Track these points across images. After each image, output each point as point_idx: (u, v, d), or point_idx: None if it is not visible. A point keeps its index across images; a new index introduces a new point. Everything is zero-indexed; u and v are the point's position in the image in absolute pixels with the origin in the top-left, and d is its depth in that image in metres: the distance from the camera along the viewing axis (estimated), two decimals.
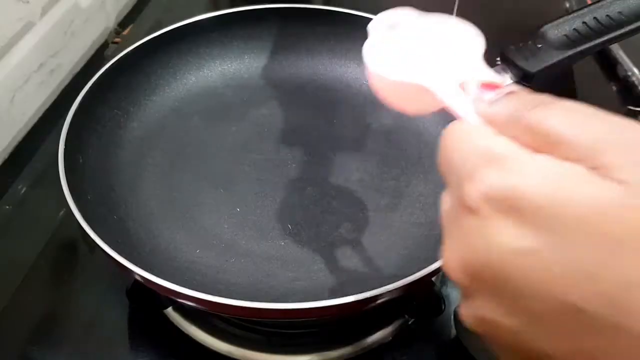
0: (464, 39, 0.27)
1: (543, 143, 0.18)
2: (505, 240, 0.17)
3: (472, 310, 0.18)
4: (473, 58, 0.25)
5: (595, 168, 0.16)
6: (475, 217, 0.17)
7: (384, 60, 0.27)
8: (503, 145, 0.18)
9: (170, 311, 0.40)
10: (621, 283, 0.15)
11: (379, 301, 0.32)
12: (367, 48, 0.28)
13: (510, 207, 0.17)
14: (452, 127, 0.20)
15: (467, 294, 0.18)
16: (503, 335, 0.18)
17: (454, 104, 0.22)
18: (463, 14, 0.70)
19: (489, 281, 0.17)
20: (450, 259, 0.19)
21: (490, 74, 0.23)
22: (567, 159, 0.17)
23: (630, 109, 0.51)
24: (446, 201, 0.20)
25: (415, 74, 0.25)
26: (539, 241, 0.16)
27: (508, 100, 0.20)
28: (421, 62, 0.26)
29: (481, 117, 0.20)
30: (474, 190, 0.18)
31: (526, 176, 0.17)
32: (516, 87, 0.22)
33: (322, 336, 0.40)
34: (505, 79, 0.23)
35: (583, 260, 0.16)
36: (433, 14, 0.28)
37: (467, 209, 0.18)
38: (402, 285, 0.31)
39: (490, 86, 0.21)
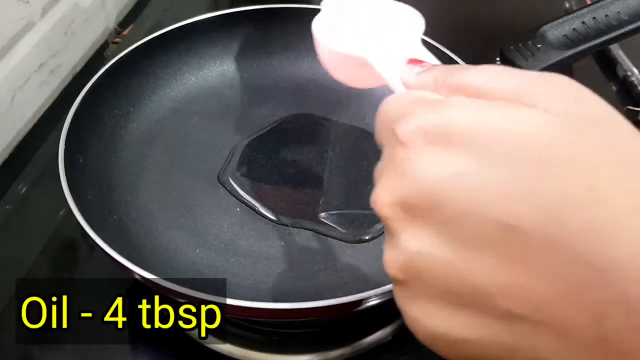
0: (405, 20, 0.29)
1: (468, 95, 0.18)
2: (439, 166, 0.17)
3: (399, 249, 0.18)
4: (412, 37, 0.27)
5: (521, 103, 0.17)
6: (408, 149, 0.18)
7: (331, 34, 0.30)
8: (435, 95, 0.20)
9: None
10: (555, 199, 0.15)
11: (379, 301, 0.32)
12: (317, 22, 0.31)
13: (442, 135, 0.17)
14: (388, 97, 0.21)
15: (397, 232, 0.18)
16: (433, 271, 0.17)
17: (390, 78, 0.24)
18: (463, 14, 0.70)
19: (422, 209, 0.17)
20: (383, 194, 0.18)
21: (424, 53, 0.25)
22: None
23: (630, 109, 0.51)
24: (380, 161, 0.20)
25: (357, 48, 0.28)
26: (473, 164, 0.16)
27: (432, 70, 0.21)
28: (364, 37, 0.29)
29: (410, 86, 0.22)
30: (405, 127, 0.18)
31: (456, 108, 0.17)
32: (438, 62, 0.24)
33: (321, 336, 0.40)
34: (430, 57, 0.25)
35: (517, 179, 0.16)
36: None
37: (399, 144, 0.18)
38: None
39: (416, 62, 0.23)
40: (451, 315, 0.17)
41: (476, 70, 0.19)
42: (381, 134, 0.20)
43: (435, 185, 0.17)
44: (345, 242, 0.40)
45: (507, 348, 0.16)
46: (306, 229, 0.41)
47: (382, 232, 0.41)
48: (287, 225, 0.41)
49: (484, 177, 0.16)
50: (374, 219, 0.41)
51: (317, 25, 0.31)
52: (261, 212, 0.42)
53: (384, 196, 0.18)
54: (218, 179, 0.44)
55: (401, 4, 0.30)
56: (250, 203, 0.43)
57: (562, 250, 0.15)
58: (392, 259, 0.18)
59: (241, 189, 0.44)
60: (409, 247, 0.17)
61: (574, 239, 0.15)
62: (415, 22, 0.29)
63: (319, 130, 0.49)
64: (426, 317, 0.17)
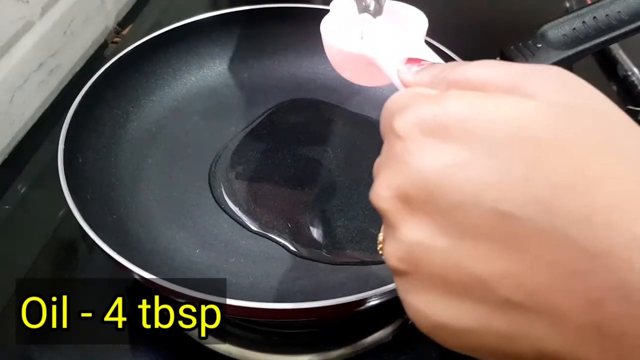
0: (409, 20, 0.30)
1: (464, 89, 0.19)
2: (436, 157, 0.17)
3: (399, 240, 0.18)
4: (416, 37, 0.28)
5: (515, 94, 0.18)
6: (406, 141, 0.18)
7: (338, 34, 0.31)
8: (431, 91, 0.20)
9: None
10: (547, 186, 0.15)
11: (379, 301, 0.32)
12: (325, 22, 0.32)
13: (438, 126, 0.17)
14: (392, 95, 0.21)
15: (396, 224, 0.18)
16: (432, 261, 0.17)
17: (394, 76, 0.25)
18: (463, 13, 0.70)
19: (420, 200, 0.17)
20: (381, 188, 0.19)
21: (426, 51, 0.26)
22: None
23: (630, 109, 0.51)
24: (380, 156, 0.21)
25: (362, 47, 0.29)
26: (468, 154, 0.17)
27: (430, 68, 0.22)
28: (370, 37, 0.29)
29: (408, 84, 0.23)
30: (402, 120, 0.18)
31: (452, 101, 0.18)
32: (437, 60, 0.25)
33: (321, 336, 0.40)
34: (431, 55, 0.26)
35: (510, 168, 0.16)
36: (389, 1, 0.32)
37: (397, 137, 0.18)
38: None
39: (415, 61, 0.24)
40: (451, 305, 0.17)
41: (472, 65, 0.20)
42: (383, 130, 0.21)
43: (431, 176, 0.17)
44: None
45: (506, 336, 0.16)
46: (306, 229, 0.41)
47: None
48: (287, 225, 0.41)
49: (479, 166, 0.16)
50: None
51: (326, 26, 0.32)
52: (261, 211, 0.42)
53: (383, 189, 0.19)
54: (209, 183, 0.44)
55: (405, 4, 0.31)
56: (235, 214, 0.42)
57: (556, 238, 0.15)
58: (392, 250, 0.18)
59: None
60: (409, 238, 0.18)
61: (566, 226, 0.15)
62: (419, 21, 0.30)
63: (319, 130, 0.49)
64: (427, 308, 0.18)
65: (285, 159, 0.46)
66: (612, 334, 0.15)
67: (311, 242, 0.40)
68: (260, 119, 0.49)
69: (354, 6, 0.32)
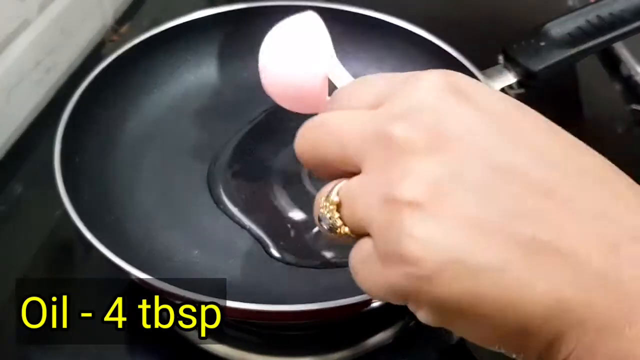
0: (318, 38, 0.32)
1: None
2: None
3: (423, 173, 0.18)
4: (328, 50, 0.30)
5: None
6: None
7: (273, 57, 0.34)
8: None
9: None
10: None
11: (380, 303, 0.32)
12: (262, 49, 0.34)
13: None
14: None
15: (424, 150, 0.18)
16: (458, 195, 0.17)
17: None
18: (466, 12, 0.70)
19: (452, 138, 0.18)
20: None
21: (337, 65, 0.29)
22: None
23: (634, 108, 0.51)
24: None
25: (311, 66, 0.30)
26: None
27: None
28: (295, 60, 0.32)
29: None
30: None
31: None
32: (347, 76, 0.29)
33: (321, 338, 0.39)
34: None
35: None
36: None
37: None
38: None
39: None
40: (473, 238, 0.16)
41: (347, 86, 0.23)
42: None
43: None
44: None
45: (525, 278, 0.16)
46: (306, 229, 0.41)
47: None
48: (287, 225, 0.41)
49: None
50: None
51: (262, 52, 0.34)
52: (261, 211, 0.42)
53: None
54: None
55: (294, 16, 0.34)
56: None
57: (579, 184, 0.17)
58: (415, 180, 0.17)
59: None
60: (432, 171, 0.17)
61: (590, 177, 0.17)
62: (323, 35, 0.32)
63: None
64: (444, 237, 0.17)
65: (285, 158, 0.46)
66: (626, 279, 0.15)
67: (306, 250, 0.40)
68: (259, 118, 0.49)
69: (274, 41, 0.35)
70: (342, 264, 0.39)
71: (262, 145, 0.47)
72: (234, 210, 0.42)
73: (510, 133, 0.18)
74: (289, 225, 0.41)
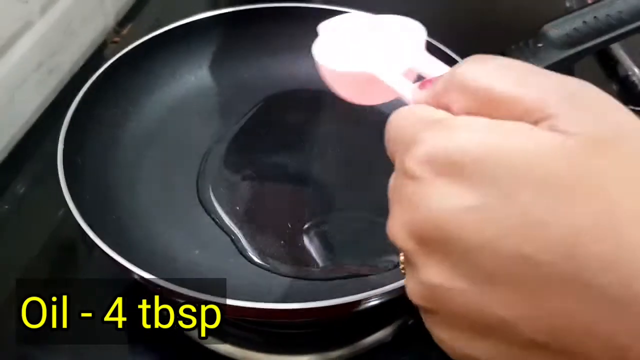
0: (406, 31, 0.29)
1: (484, 104, 0.18)
2: (451, 200, 0.16)
3: (419, 280, 0.17)
4: (416, 47, 0.27)
5: (539, 122, 0.16)
6: (417, 182, 0.17)
7: (332, 55, 0.30)
8: (442, 113, 0.19)
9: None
10: (567, 232, 0.15)
11: (379, 301, 0.32)
12: (316, 46, 0.31)
13: (450, 166, 0.16)
14: (398, 110, 0.20)
15: (414, 264, 0.18)
16: (454, 302, 0.17)
17: (400, 89, 0.24)
18: (464, 13, 0.70)
19: (436, 243, 0.17)
20: (396, 225, 0.18)
21: (430, 61, 0.25)
22: (510, 117, 0.17)
23: (631, 109, 0.51)
24: (393, 177, 0.20)
25: (361, 64, 0.27)
26: (483, 196, 0.16)
27: (440, 78, 0.20)
28: (367, 53, 0.28)
29: (423, 102, 0.21)
30: (413, 157, 0.17)
31: (465, 134, 0.17)
32: (443, 69, 0.24)
33: (321, 336, 0.40)
34: (436, 64, 0.25)
35: (530, 210, 0.15)
36: (380, 15, 0.30)
37: (410, 176, 0.17)
38: (402, 285, 0.31)
39: (428, 82, 0.22)
40: (476, 342, 0.17)
41: (494, 70, 0.18)
42: (390, 152, 0.20)
43: (447, 220, 0.16)
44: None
45: None
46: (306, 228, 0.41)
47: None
48: (287, 225, 0.41)
49: (497, 210, 0.15)
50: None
51: (317, 49, 0.30)
52: (261, 211, 0.42)
53: (398, 228, 0.18)
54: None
55: (398, 16, 0.30)
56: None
57: (580, 284, 0.15)
58: (413, 288, 0.18)
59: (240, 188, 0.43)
60: (428, 280, 0.17)
61: (590, 272, 0.14)
62: (416, 31, 0.28)
63: (319, 130, 0.49)
64: (452, 342, 0.17)
65: (285, 158, 0.46)
66: None
67: (302, 260, 0.40)
68: (251, 112, 0.49)
69: (344, 24, 0.31)
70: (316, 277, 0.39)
71: (264, 145, 0.47)
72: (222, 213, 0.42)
73: None
74: (289, 224, 0.41)
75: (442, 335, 0.18)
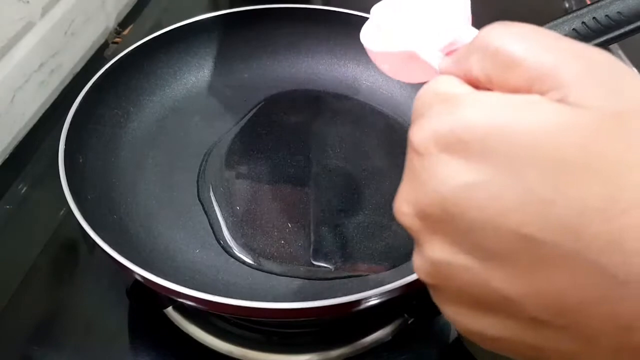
0: (450, 4, 0.28)
1: (499, 67, 0.17)
2: (454, 176, 0.16)
3: (424, 257, 0.18)
4: (458, 19, 0.26)
5: (550, 90, 0.16)
6: (423, 158, 0.17)
7: (378, 36, 0.29)
8: (458, 87, 0.18)
9: (170, 311, 0.40)
10: (572, 209, 0.14)
11: (378, 301, 0.32)
12: (364, 30, 0.30)
13: (457, 142, 0.16)
14: (426, 84, 0.20)
15: (419, 240, 0.18)
16: (458, 279, 0.17)
17: (435, 65, 0.23)
18: None
19: (440, 219, 0.17)
20: (401, 203, 0.18)
21: (472, 32, 0.24)
22: (526, 81, 0.16)
23: None
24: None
25: (403, 43, 0.27)
26: (489, 173, 0.15)
27: (459, 50, 0.20)
28: (411, 31, 0.28)
29: (448, 70, 0.20)
30: (419, 132, 0.17)
31: (472, 110, 0.16)
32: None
33: (321, 335, 0.40)
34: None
35: (536, 188, 0.15)
36: None
37: (416, 152, 0.17)
38: (402, 284, 0.31)
39: (455, 51, 0.22)
40: (481, 318, 0.17)
41: (517, 34, 0.17)
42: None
43: (450, 196, 0.16)
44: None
45: (537, 348, 0.16)
46: (306, 228, 0.41)
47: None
48: (286, 224, 0.41)
49: (501, 186, 0.15)
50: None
51: (365, 33, 0.30)
52: (261, 211, 0.42)
53: (403, 206, 0.18)
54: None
55: None
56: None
57: (584, 263, 0.14)
58: (419, 265, 0.18)
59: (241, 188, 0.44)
60: (432, 256, 0.17)
61: (595, 253, 0.14)
62: (459, 4, 0.28)
63: (319, 130, 0.49)
64: (458, 317, 0.18)
65: (285, 158, 0.46)
66: None
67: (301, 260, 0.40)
68: (251, 112, 0.49)
69: (391, 5, 0.30)
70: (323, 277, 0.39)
71: (264, 145, 0.47)
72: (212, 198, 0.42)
73: None
74: (289, 224, 0.41)
75: (449, 311, 0.18)
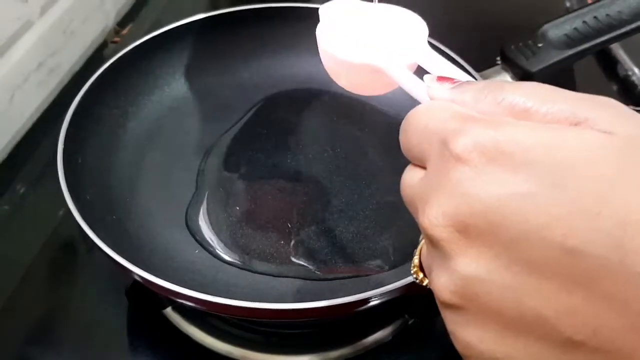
0: (407, 24, 0.29)
1: (516, 114, 0.18)
2: (499, 185, 0.16)
3: (453, 274, 0.17)
4: (419, 41, 0.27)
5: (576, 124, 0.17)
6: (466, 166, 0.17)
7: (336, 42, 0.29)
8: (478, 114, 0.19)
9: (169, 311, 0.39)
10: (618, 222, 0.15)
11: (379, 301, 0.32)
12: (320, 30, 0.30)
13: (501, 153, 0.16)
14: (425, 104, 0.20)
15: (450, 254, 0.17)
16: (489, 296, 0.16)
17: (405, 83, 0.24)
18: (464, 13, 0.70)
19: (480, 231, 0.16)
20: (436, 215, 0.17)
21: (435, 59, 0.25)
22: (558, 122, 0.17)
23: (632, 109, 0.51)
24: (411, 175, 0.20)
25: (368, 56, 0.27)
26: (535, 184, 0.16)
27: (470, 86, 0.20)
28: (369, 44, 0.28)
29: (446, 99, 0.21)
30: (462, 142, 0.17)
31: (513, 127, 0.17)
32: (449, 65, 0.24)
33: (321, 336, 0.40)
34: (441, 60, 0.25)
35: (580, 201, 0.15)
36: (377, 4, 0.30)
37: (456, 160, 0.17)
38: (402, 285, 0.31)
39: (446, 79, 0.22)
40: (507, 341, 0.16)
41: (524, 87, 0.18)
42: (420, 146, 0.19)
43: (494, 206, 0.16)
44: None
45: None
46: (306, 228, 0.41)
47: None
48: (286, 224, 0.41)
49: (546, 198, 0.15)
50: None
51: (321, 34, 0.30)
52: (261, 211, 0.42)
53: (438, 217, 0.17)
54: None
55: (400, 8, 0.30)
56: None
57: (625, 276, 0.14)
58: (444, 282, 0.17)
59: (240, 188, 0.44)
60: (465, 271, 0.17)
61: (637, 264, 0.14)
62: (418, 25, 0.28)
63: (319, 129, 0.49)
64: (480, 343, 0.17)
65: (285, 158, 0.46)
66: None
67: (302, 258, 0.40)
68: (251, 112, 0.49)
69: (345, 10, 0.30)
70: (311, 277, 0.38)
71: (264, 145, 0.47)
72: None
73: None
74: (289, 224, 0.41)
75: (469, 335, 0.17)
